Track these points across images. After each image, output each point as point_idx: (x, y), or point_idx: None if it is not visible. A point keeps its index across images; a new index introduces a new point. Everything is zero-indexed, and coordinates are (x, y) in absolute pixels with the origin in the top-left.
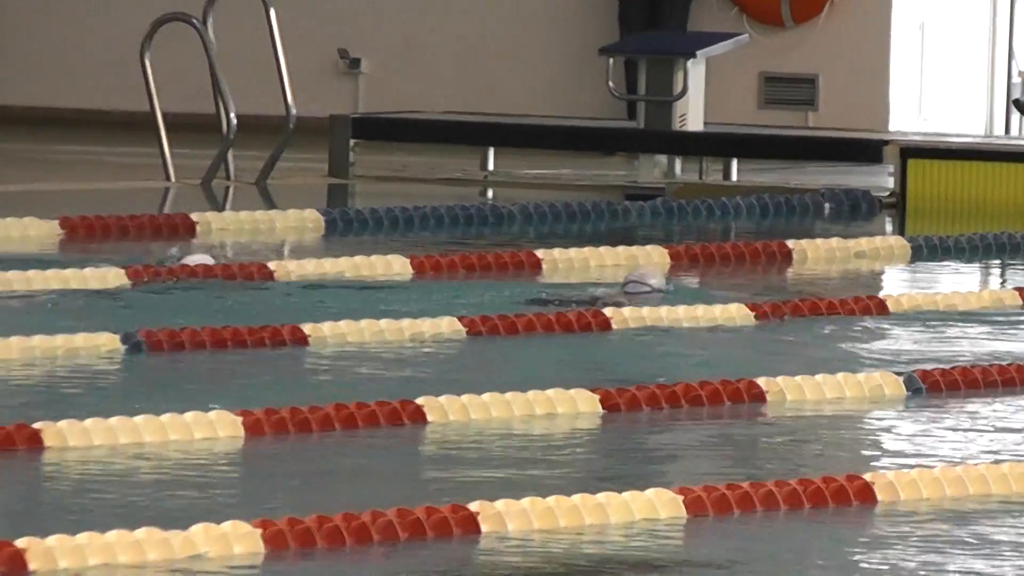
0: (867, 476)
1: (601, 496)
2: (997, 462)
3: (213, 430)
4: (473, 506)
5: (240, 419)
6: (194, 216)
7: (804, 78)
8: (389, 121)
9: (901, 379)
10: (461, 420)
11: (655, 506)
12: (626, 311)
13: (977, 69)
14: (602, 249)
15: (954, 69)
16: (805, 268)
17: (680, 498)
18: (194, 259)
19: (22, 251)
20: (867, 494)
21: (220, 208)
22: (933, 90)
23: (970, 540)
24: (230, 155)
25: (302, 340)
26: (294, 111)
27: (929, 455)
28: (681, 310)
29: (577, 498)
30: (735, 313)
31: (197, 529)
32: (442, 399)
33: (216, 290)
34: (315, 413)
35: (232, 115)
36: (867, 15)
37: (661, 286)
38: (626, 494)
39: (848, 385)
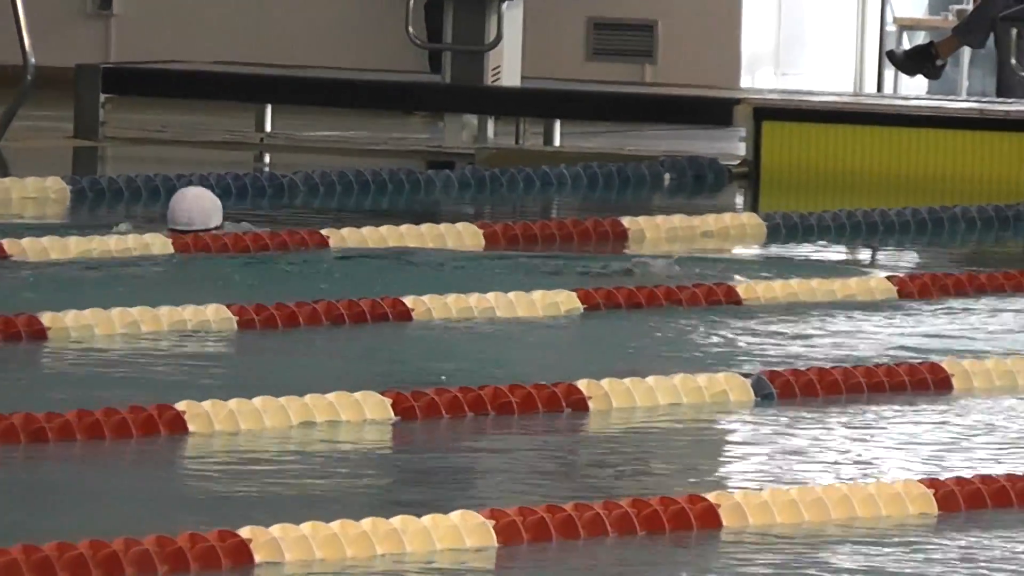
0: (711, 497)
1: (396, 521)
2: (861, 481)
3: None
4: (244, 532)
5: None
6: None
7: (640, 25)
8: (146, 72)
9: (748, 382)
10: (228, 429)
11: (460, 533)
12: (427, 299)
13: (845, 16)
14: (402, 228)
15: (818, 16)
16: (643, 250)
17: (490, 523)
18: None
19: None
20: (711, 518)
21: None
22: (793, 41)
23: (830, 571)
24: None
25: (40, 333)
26: (32, 60)
27: (782, 473)
28: (492, 297)
29: (367, 523)
30: (560, 302)
31: None
32: (206, 404)
33: None
34: (53, 421)
35: None
36: None
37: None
38: (426, 518)
39: (686, 389)
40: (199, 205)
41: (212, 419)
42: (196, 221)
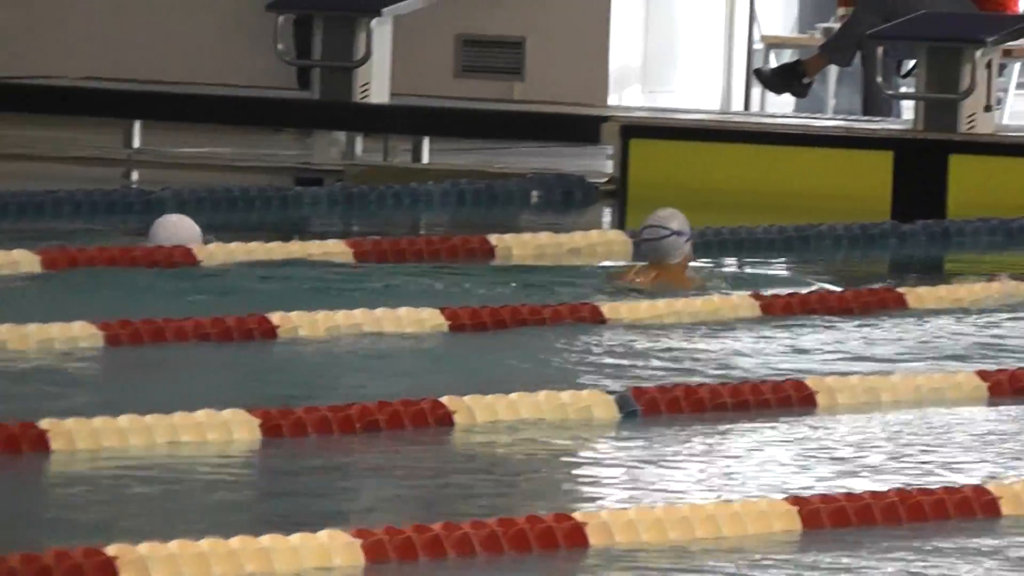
0: (578, 516)
1: (265, 539)
2: (727, 499)
3: None
4: (111, 550)
5: None
6: None
7: (509, 42)
8: (13, 88)
9: (613, 399)
10: (91, 448)
11: (328, 552)
12: (294, 315)
13: (713, 34)
14: (270, 244)
15: (686, 34)
16: (509, 269)
17: (358, 542)
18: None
19: None
20: (578, 536)
21: None
22: (661, 58)
23: None
24: None
25: None
26: None
27: (648, 490)
28: (360, 314)
29: (235, 541)
30: (427, 319)
31: None
32: (69, 422)
33: None
34: None
35: None
36: None
37: (683, 229)
38: (294, 537)
39: (550, 406)
40: (180, 232)
41: (75, 437)
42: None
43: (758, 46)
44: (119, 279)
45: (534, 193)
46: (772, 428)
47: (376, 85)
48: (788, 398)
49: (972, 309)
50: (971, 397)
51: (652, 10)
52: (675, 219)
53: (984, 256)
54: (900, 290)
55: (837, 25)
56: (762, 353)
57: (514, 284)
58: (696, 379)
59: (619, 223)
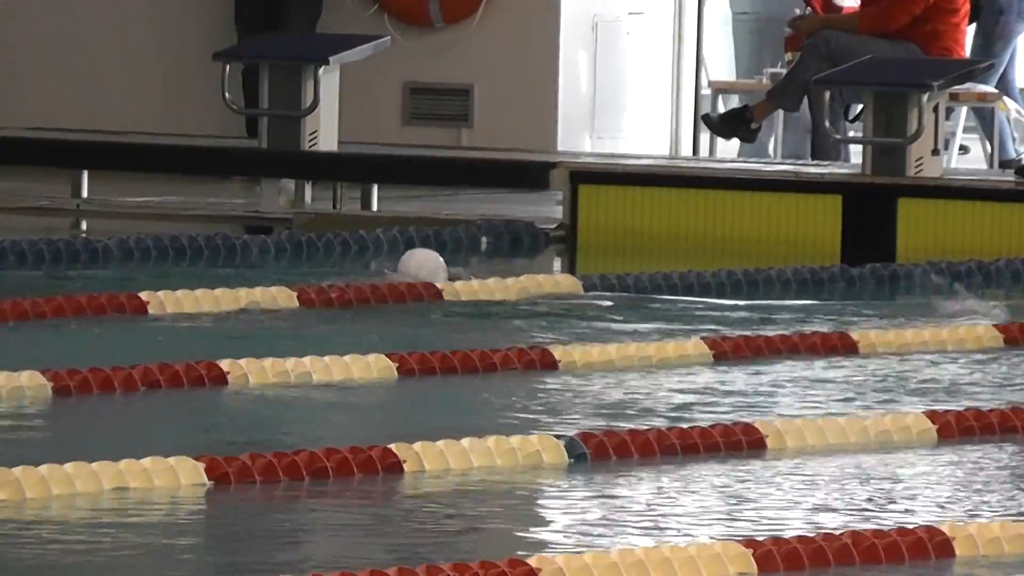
0: (532, 562)
1: None
2: (681, 543)
3: None
4: None
5: None
6: None
7: (457, 89)
8: None
9: (562, 443)
10: (39, 495)
11: None
12: (243, 363)
13: (661, 80)
14: (217, 292)
15: (634, 80)
16: (459, 314)
17: None
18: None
19: None
20: None
21: None
22: (609, 104)
23: None
24: None
25: None
26: None
27: (600, 535)
28: (308, 361)
29: None
30: (374, 367)
31: None
32: (17, 471)
33: None
34: None
35: None
36: (531, 14)
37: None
38: None
39: (500, 452)
40: (428, 265)
41: (23, 485)
42: (422, 276)
43: (706, 91)
44: (66, 328)
45: (484, 239)
46: (722, 472)
47: (324, 133)
48: (738, 442)
49: (920, 351)
50: (920, 439)
51: (600, 56)
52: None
53: (932, 299)
54: (849, 333)
55: (784, 70)
56: (712, 396)
57: (464, 329)
58: (646, 423)
59: (569, 268)
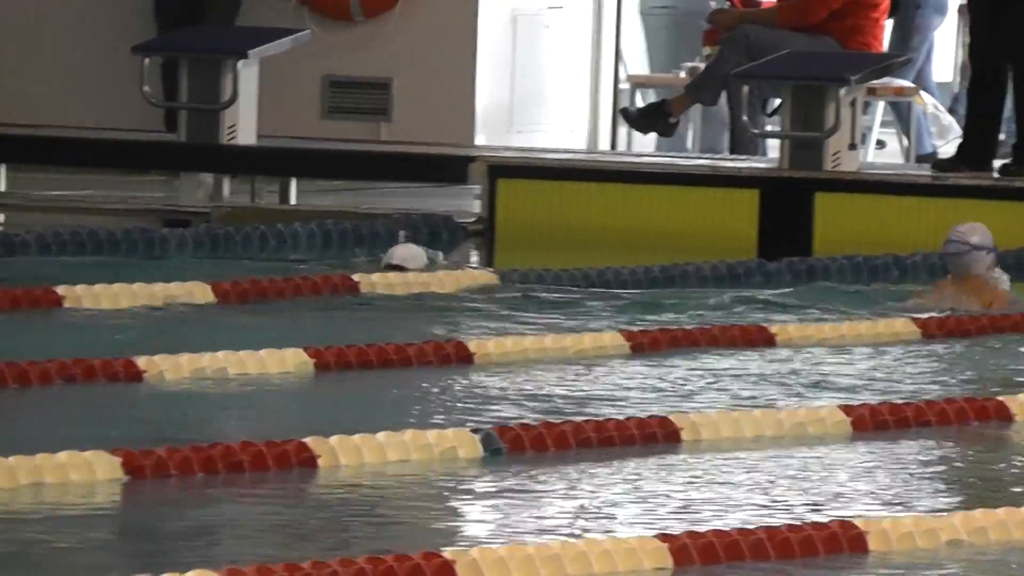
0: (447, 554)
1: None
2: (597, 536)
3: None
4: None
5: None
6: None
7: (376, 83)
8: None
9: (477, 437)
10: None
11: None
12: (159, 358)
13: (579, 74)
14: (135, 286)
15: (552, 74)
16: (375, 308)
17: None
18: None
19: None
20: (447, 575)
21: None
22: (528, 99)
23: None
24: None
25: None
26: None
27: (515, 528)
28: (223, 356)
29: None
30: (291, 361)
31: None
32: None
33: None
34: None
35: None
36: (450, 8)
37: (984, 243)
38: None
39: (415, 445)
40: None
41: None
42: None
43: (624, 86)
44: None
45: (401, 233)
46: (638, 465)
47: (243, 127)
48: (653, 434)
49: (836, 345)
50: (834, 432)
51: (519, 50)
52: (975, 233)
53: (848, 293)
54: (766, 326)
55: (702, 65)
56: (629, 389)
57: (380, 323)
58: (562, 416)
59: (487, 262)
